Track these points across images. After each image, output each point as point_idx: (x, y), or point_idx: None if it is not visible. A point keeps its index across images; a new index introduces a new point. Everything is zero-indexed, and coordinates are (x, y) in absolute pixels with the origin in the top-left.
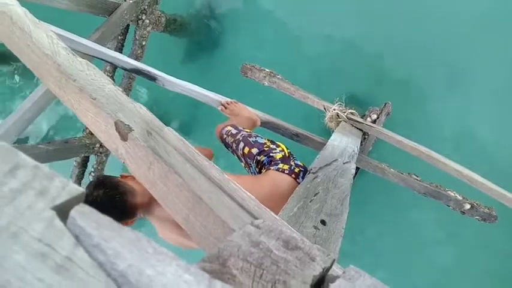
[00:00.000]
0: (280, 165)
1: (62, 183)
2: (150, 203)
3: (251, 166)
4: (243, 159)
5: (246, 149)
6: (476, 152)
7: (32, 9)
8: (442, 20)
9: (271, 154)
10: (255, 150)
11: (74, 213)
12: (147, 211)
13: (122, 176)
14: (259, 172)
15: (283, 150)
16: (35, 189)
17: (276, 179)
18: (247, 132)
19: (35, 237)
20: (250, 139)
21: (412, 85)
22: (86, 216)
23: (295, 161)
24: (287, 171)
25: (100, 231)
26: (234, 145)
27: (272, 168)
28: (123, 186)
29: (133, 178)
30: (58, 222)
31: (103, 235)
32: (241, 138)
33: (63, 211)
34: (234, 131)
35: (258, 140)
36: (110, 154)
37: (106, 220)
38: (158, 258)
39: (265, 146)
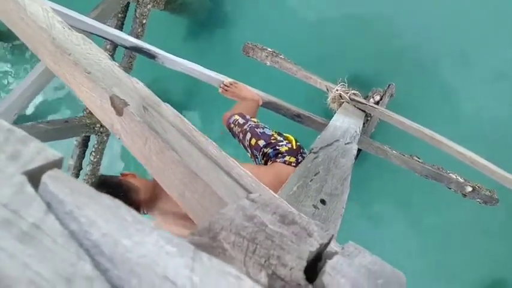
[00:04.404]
0: (287, 158)
1: (38, 148)
2: (152, 199)
3: (257, 157)
4: (249, 150)
5: (253, 141)
6: (479, 134)
7: None
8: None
9: (277, 147)
10: (261, 142)
11: (45, 178)
12: (150, 207)
13: (122, 175)
14: (265, 164)
15: (290, 143)
16: (6, 153)
17: (281, 170)
18: (254, 122)
19: (1, 203)
20: (258, 130)
21: (416, 67)
22: (60, 182)
23: (303, 154)
24: (294, 164)
25: (74, 198)
26: (241, 135)
27: (278, 160)
28: (126, 185)
29: (134, 176)
30: (29, 188)
31: (77, 202)
32: (248, 129)
33: (36, 177)
34: (241, 121)
35: (266, 132)
36: (110, 134)
37: (83, 187)
38: (137, 227)
39: (272, 138)
